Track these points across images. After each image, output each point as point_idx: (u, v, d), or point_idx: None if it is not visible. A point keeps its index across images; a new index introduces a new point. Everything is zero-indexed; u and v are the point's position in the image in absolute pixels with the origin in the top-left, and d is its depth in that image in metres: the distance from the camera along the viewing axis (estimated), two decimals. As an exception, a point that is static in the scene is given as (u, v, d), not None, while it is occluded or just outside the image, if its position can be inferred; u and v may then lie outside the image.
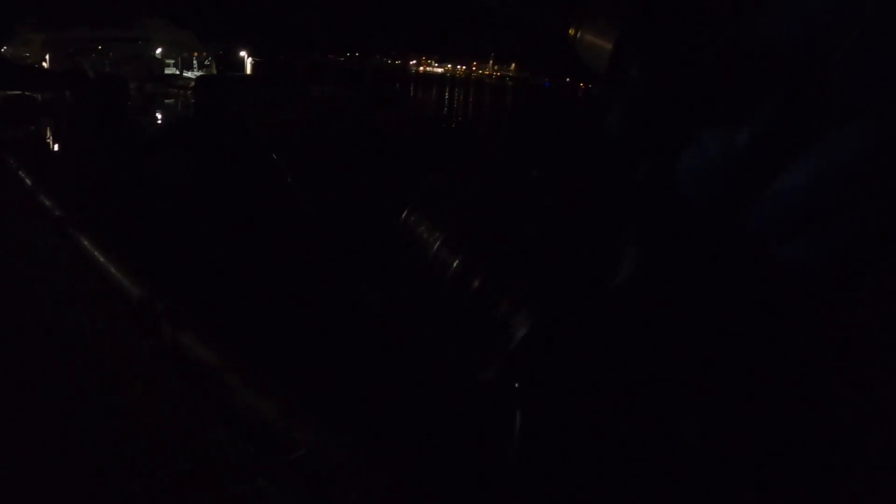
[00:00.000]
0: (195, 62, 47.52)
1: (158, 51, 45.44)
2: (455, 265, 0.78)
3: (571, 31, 0.65)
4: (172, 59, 46.49)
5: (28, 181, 6.42)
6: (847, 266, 0.49)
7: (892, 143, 0.44)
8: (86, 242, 3.95)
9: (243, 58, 48.86)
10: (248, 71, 47.70)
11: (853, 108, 0.45)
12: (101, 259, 3.57)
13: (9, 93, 22.74)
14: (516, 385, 0.66)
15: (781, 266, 0.52)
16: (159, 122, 25.11)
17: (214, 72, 45.71)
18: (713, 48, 0.51)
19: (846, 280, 0.51)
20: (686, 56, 0.53)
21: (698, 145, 0.53)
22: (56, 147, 14.85)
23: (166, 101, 33.16)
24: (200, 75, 42.08)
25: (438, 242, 0.80)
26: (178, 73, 44.87)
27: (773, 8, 0.50)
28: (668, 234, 0.60)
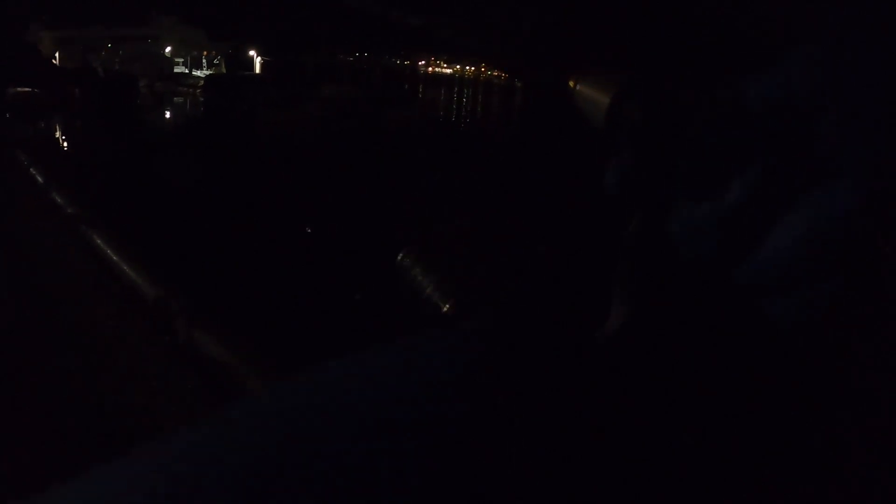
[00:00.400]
0: (204, 61, 47.42)
1: (168, 49, 45.37)
2: (446, 308, 0.81)
3: (572, 84, 0.66)
4: (182, 57, 46.37)
5: (40, 178, 6.46)
6: (837, 322, 0.50)
7: (876, 202, 0.46)
8: (99, 241, 3.98)
9: (252, 57, 48.75)
10: (258, 70, 47.59)
11: (839, 168, 0.47)
12: (115, 257, 3.60)
13: (19, 89, 22.78)
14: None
15: (772, 322, 0.53)
16: (168, 119, 25.10)
17: (224, 71, 45.61)
18: (705, 107, 0.53)
19: (835, 335, 0.52)
20: (680, 114, 0.54)
21: (690, 202, 0.54)
22: (66, 144, 14.87)
23: (175, 99, 33.13)
24: (210, 74, 42.01)
25: (431, 287, 0.83)
26: (187, 71, 44.79)
27: (758, 73, 0.51)
28: (659, 288, 0.62)
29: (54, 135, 16.03)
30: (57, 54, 39.98)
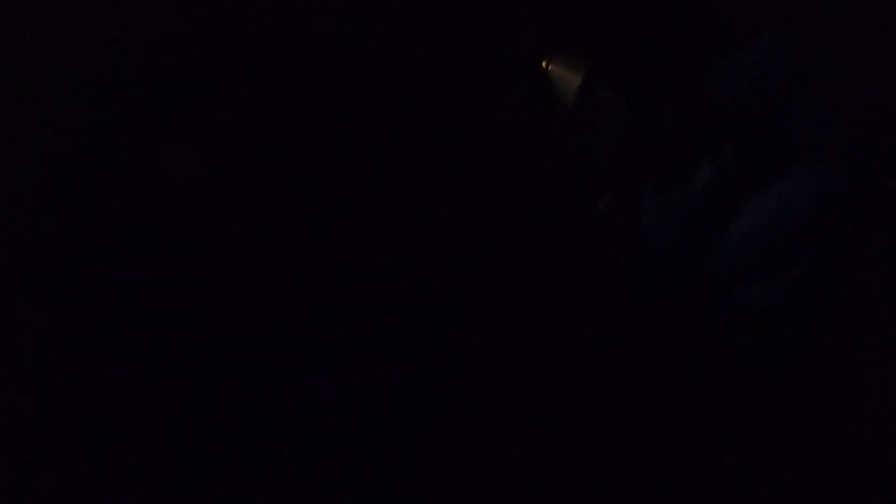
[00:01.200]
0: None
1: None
2: None
3: (544, 64, 0.66)
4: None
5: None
6: (811, 306, 0.50)
7: (843, 184, 0.46)
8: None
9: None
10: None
11: (805, 152, 0.46)
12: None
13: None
14: None
15: (746, 308, 0.52)
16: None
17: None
18: (677, 90, 0.53)
19: (813, 318, 0.52)
20: (651, 96, 0.54)
21: (659, 186, 0.54)
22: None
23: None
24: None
25: None
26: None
27: (728, 57, 0.51)
28: (631, 270, 0.61)
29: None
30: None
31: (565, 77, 0.63)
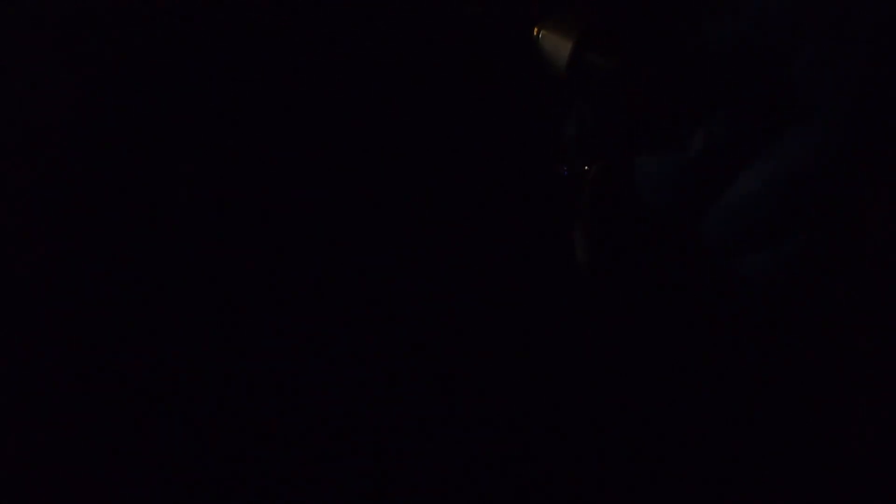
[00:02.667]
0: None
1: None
2: None
3: (535, 31, 0.64)
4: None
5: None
6: (804, 279, 0.48)
7: (844, 150, 0.44)
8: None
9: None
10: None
11: (806, 114, 0.45)
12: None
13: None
14: None
15: (739, 278, 0.51)
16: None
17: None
18: (670, 53, 0.51)
19: (804, 292, 0.50)
20: (644, 59, 0.53)
21: (654, 151, 0.53)
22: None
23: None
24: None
25: None
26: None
27: (730, 12, 0.49)
28: (620, 236, 0.60)
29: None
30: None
31: (557, 43, 0.62)
